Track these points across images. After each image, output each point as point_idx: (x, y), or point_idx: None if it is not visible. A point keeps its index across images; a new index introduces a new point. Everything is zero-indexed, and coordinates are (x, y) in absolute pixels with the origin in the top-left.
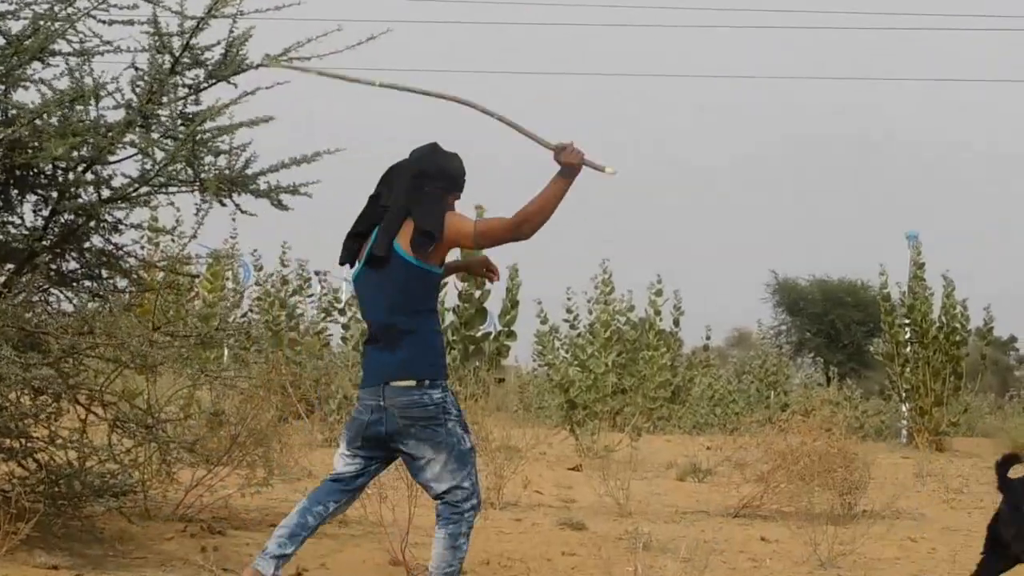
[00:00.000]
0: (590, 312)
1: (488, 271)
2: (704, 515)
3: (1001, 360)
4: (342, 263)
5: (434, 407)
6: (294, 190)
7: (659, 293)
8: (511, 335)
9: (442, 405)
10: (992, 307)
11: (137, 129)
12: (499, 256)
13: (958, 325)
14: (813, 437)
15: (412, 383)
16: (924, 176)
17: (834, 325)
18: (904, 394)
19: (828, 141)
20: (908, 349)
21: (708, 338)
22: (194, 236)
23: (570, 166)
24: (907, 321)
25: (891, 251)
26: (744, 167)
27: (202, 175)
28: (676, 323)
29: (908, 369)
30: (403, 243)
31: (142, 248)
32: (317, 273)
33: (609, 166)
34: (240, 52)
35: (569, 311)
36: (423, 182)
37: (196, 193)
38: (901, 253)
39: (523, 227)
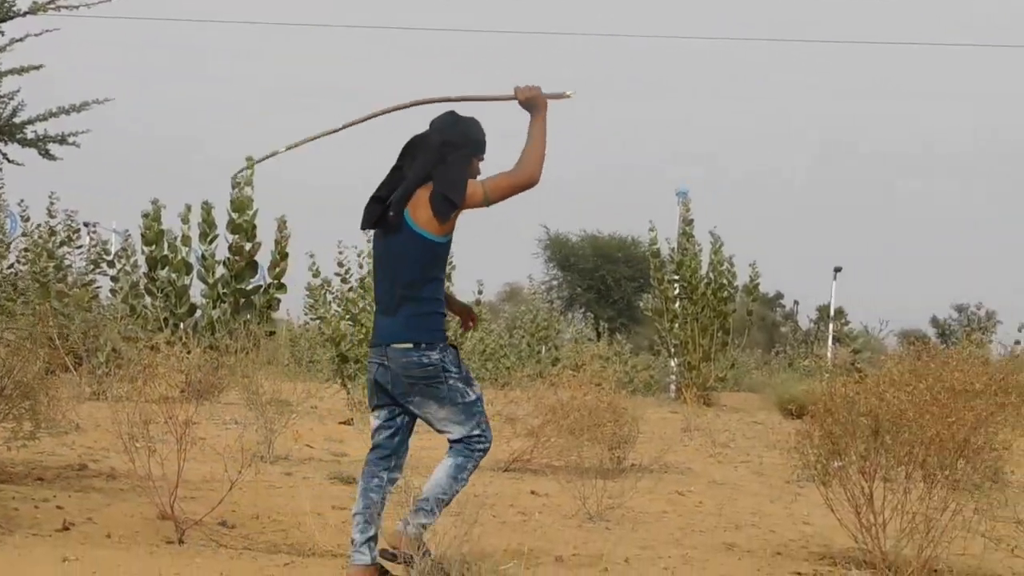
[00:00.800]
0: (361, 266)
1: (469, 318)
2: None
3: (768, 316)
4: (363, 228)
5: (432, 367)
6: (62, 140)
7: None
8: (281, 288)
9: (440, 365)
10: (757, 264)
11: None
12: (269, 207)
13: (725, 281)
14: (583, 392)
15: (410, 345)
16: (694, 130)
17: (605, 281)
18: (673, 349)
19: (604, 94)
20: (677, 305)
21: (480, 292)
22: None
23: (536, 102)
24: (676, 277)
25: (662, 208)
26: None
27: None
28: (448, 277)
29: (677, 325)
30: (413, 212)
31: None
32: (86, 224)
33: (567, 90)
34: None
35: (340, 264)
36: (448, 151)
37: None
38: (672, 210)
39: (532, 176)
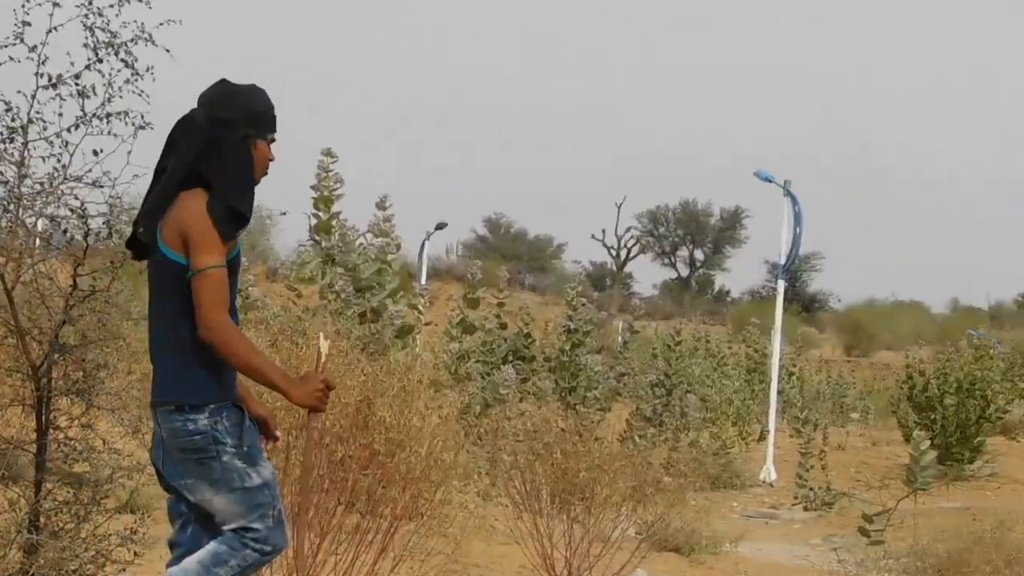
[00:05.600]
0: None
1: (270, 432)
2: None
3: None
4: (127, 249)
5: (200, 437)
6: None
7: None
8: None
9: (211, 434)
10: None
11: None
12: None
13: None
14: None
15: (173, 407)
16: None
17: None
18: None
19: None
20: None
21: None
22: None
23: (306, 401)
24: None
25: None
26: None
27: None
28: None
29: None
30: (164, 230)
31: None
32: None
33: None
34: None
35: None
36: (220, 132)
37: None
38: None
39: (204, 328)
